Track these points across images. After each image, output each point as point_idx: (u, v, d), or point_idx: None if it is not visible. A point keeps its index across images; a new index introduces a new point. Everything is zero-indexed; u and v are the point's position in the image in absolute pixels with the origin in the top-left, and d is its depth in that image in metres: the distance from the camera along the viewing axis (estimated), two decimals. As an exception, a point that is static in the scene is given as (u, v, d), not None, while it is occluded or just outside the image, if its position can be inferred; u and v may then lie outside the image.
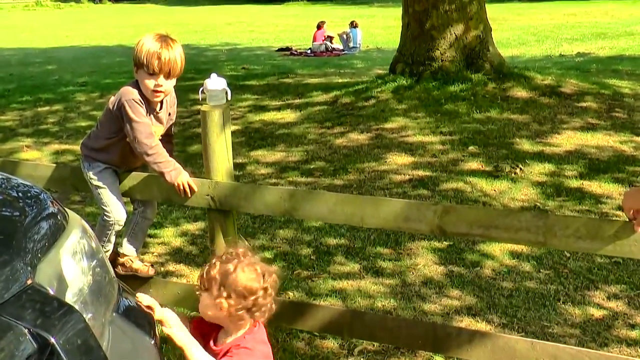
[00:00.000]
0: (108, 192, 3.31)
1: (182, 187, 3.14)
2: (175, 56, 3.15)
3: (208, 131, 3.13)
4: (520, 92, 8.85)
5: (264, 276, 2.27)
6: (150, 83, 3.15)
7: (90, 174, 3.32)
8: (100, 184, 3.31)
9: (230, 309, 2.22)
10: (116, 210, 3.33)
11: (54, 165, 3.82)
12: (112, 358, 1.89)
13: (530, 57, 15.16)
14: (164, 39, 3.17)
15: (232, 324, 2.28)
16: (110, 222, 3.33)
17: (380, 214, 2.88)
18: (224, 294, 2.21)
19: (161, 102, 3.30)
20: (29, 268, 1.83)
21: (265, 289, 2.26)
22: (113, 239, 3.41)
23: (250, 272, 2.25)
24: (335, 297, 4.17)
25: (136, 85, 3.22)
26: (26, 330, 1.66)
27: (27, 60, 17.96)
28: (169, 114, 3.40)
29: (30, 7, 45.67)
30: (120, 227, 3.41)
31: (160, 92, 3.19)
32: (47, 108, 10.75)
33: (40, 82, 13.57)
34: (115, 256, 3.47)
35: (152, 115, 3.26)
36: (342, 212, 2.97)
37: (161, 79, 3.15)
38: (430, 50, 9.32)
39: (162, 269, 4.60)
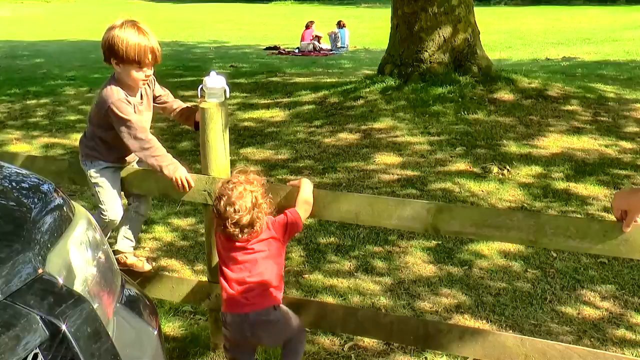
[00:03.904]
0: (107, 191, 3.32)
1: (180, 182, 3.18)
2: (156, 40, 3.17)
3: (207, 128, 3.18)
4: (507, 95, 8.95)
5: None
6: (140, 75, 3.16)
7: (92, 172, 3.32)
8: (99, 182, 3.31)
9: None
10: (112, 210, 3.33)
11: (53, 158, 3.82)
12: (117, 347, 1.93)
13: (516, 60, 15.31)
14: (139, 28, 3.13)
15: None
16: (105, 221, 3.34)
17: (375, 211, 2.94)
18: None
19: None
20: (39, 258, 1.88)
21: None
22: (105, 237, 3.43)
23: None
24: (327, 294, 4.23)
25: (115, 82, 3.20)
26: (38, 318, 1.71)
27: (15, 53, 17.89)
28: (152, 91, 3.41)
29: (17, 0, 45.31)
30: (114, 227, 3.43)
31: (147, 78, 3.22)
32: (35, 101, 10.74)
33: (28, 75, 13.54)
34: None
35: (137, 106, 3.25)
36: (336, 210, 3.02)
37: (150, 68, 3.18)
38: (419, 52, 9.41)
39: (155, 264, 4.63)
